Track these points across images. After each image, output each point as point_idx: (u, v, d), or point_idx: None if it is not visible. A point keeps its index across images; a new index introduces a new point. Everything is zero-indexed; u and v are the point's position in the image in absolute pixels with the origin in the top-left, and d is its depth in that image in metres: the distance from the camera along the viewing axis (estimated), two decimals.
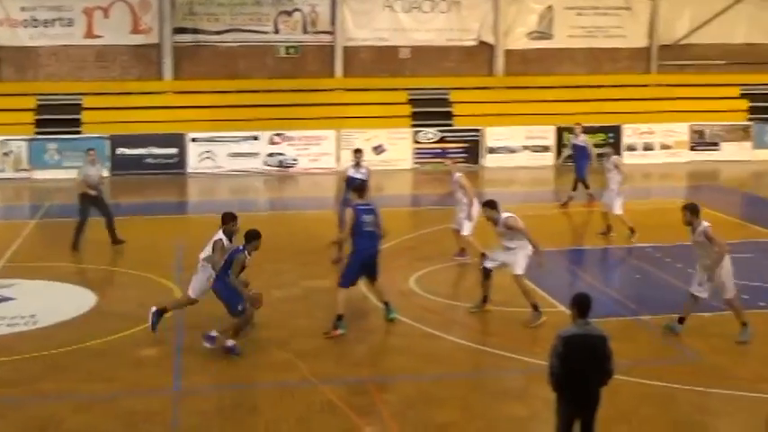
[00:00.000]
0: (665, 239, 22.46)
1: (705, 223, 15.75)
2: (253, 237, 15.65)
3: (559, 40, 40.11)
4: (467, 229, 20.64)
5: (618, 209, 23.30)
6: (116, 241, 23.19)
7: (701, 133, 38.09)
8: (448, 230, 21.55)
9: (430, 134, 36.59)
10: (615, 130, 37.43)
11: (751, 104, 39.32)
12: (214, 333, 15.27)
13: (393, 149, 36.13)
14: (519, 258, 16.95)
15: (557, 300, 17.66)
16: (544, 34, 40.10)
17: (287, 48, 38.11)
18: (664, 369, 14.70)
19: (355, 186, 17.93)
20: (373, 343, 15.74)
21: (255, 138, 35.30)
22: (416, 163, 36.41)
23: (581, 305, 10.77)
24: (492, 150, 36.82)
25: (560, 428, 10.86)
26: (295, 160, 35.54)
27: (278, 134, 35.46)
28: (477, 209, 20.23)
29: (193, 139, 34.99)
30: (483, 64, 39.80)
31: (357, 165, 21.07)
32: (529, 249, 16.95)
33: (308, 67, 38.33)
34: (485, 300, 17.33)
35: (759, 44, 41.07)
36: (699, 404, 13.46)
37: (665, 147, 37.84)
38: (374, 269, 16.59)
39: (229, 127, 35.53)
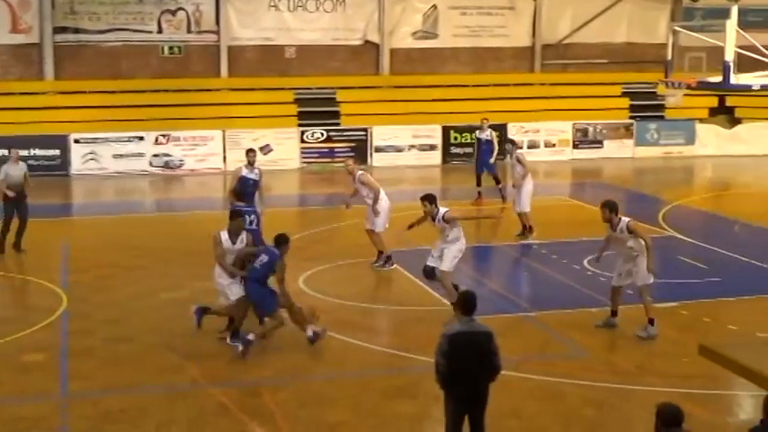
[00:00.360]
0: (551, 236, 22.79)
1: (625, 219, 16.08)
2: (285, 241, 15.82)
3: (444, 40, 40.40)
4: (380, 226, 20.46)
5: (527, 206, 23.10)
6: (18, 247, 22.46)
7: (584, 131, 38.77)
8: (336, 230, 21.57)
9: (317, 134, 36.55)
10: (500, 129, 37.81)
11: (632, 103, 40.15)
12: (251, 336, 15.20)
13: (280, 149, 35.99)
14: (449, 254, 17.04)
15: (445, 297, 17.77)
16: (429, 34, 40.35)
17: (171, 47, 37.71)
18: (551, 364, 14.93)
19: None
20: (264, 343, 15.64)
21: (141, 138, 34.85)
22: (304, 162, 36.35)
23: (465, 303, 10.83)
24: (379, 149, 36.92)
25: (450, 426, 10.91)
26: (181, 161, 35.18)
27: (163, 135, 35.07)
28: (386, 203, 20.22)
29: (76, 141, 34.36)
30: (369, 63, 39.89)
31: (250, 165, 20.88)
32: (462, 244, 17.17)
33: (193, 66, 37.98)
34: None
35: (639, 43, 41.90)
36: (587, 398, 13.65)
37: (549, 145, 38.41)
38: None
39: (114, 127, 34.98)
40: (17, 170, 22.51)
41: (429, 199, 17.43)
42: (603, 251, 16.79)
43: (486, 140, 28.79)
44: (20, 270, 20.76)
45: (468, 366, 10.56)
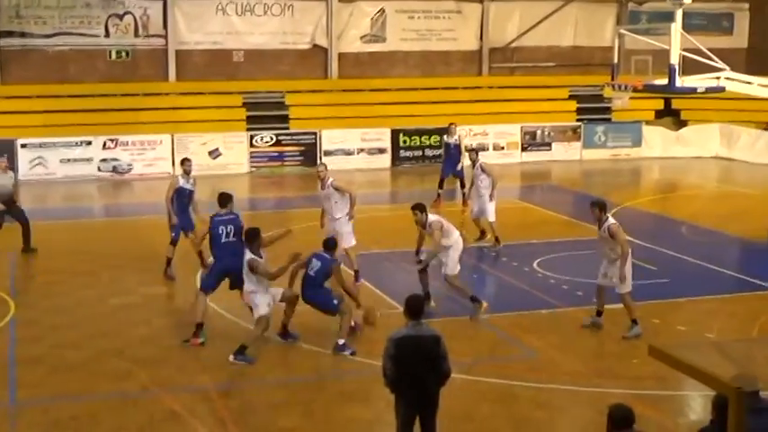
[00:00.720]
0: (502, 239, 22.80)
1: (611, 220, 16.29)
2: (334, 245, 16.31)
3: (392, 44, 40.48)
4: (348, 241, 19.57)
5: (492, 215, 22.71)
6: (27, 249, 22.46)
7: (532, 134, 38.98)
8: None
9: (266, 138, 36.45)
10: (447, 132, 37.90)
11: (579, 105, 40.45)
12: (342, 341, 15.40)
13: (229, 153, 35.85)
14: (450, 260, 17.29)
15: (396, 301, 17.76)
16: (377, 37, 40.40)
17: (118, 51, 37.44)
18: (503, 366, 14.99)
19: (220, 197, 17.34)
20: (214, 349, 15.58)
21: (89, 143, 34.56)
22: (253, 167, 36.21)
23: (412, 307, 10.81)
24: (328, 153, 36.86)
25: (400, 428, 10.89)
26: (130, 165, 34.93)
27: (111, 139, 34.80)
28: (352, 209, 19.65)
29: (23, 145, 33.98)
30: (317, 67, 39.86)
31: (186, 174, 20.67)
32: (459, 245, 17.45)
33: (141, 70, 37.74)
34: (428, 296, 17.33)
35: (586, 47, 42.24)
36: (538, 400, 13.74)
37: (497, 148, 38.56)
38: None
39: (61, 132, 34.63)
40: (6, 179, 22.63)
41: (419, 208, 17.53)
42: None
43: (455, 145, 28.84)
44: None
45: (415, 370, 10.54)
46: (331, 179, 19.74)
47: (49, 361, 15.15)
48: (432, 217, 17.54)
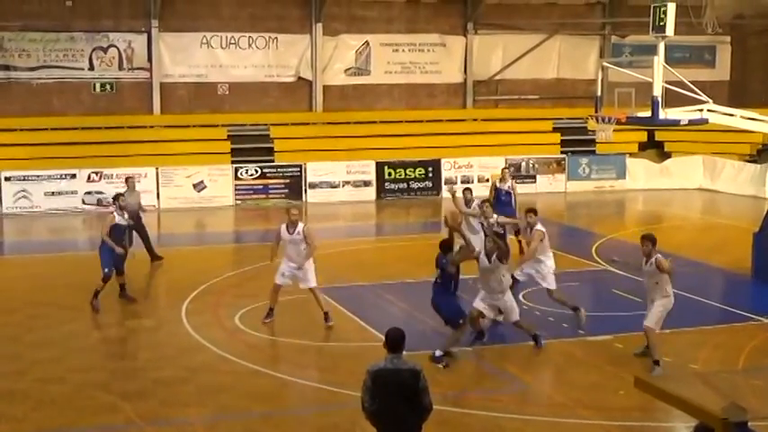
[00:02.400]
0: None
1: (658, 255, 16.06)
2: (450, 247, 16.84)
3: (377, 76, 40.64)
4: (313, 281, 19.04)
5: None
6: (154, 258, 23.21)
7: (517, 166, 39.08)
8: (271, 267, 21.20)
9: (251, 170, 36.45)
10: (434, 164, 38.10)
11: (563, 138, 40.60)
12: (438, 353, 15.81)
13: (214, 186, 35.84)
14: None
15: (380, 333, 17.65)
16: (362, 70, 40.55)
17: (102, 84, 37.47)
18: (490, 399, 14.92)
19: None
20: (199, 381, 15.52)
21: (73, 176, 34.52)
22: (238, 199, 36.19)
23: (390, 340, 10.55)
24: (313, 186, 36.90)
25: None
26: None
27: (96, 172, 34.76)
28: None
29: (7, 178, 33.94)
30: (302, 100, 39.97)
31: (121, 210, 20.69)
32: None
33: (126, 103, 37.77)
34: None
35: (569, 79, 42.51)
36: None
37: (482, 180, 38.59)
38: None
39: (45, 165, 34.60)
40: (134, 197, 24.45)
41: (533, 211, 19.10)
42: (627, 268, 17.54)
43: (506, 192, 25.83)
44: None
45: (392, 404, 10.30)
46: (302, 225, 19.15)
47: (33, 395, 15.03)
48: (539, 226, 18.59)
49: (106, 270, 19.99)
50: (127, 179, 25.72)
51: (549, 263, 19.00)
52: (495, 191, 25.62)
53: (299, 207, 20.43)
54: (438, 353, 15.96)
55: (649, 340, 16.11)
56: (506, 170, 27.07)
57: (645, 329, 16.14)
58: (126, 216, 20.84)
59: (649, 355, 16.06)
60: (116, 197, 21.23)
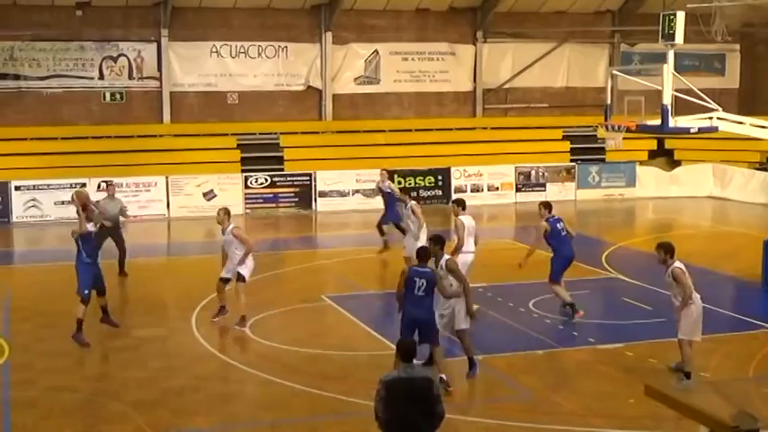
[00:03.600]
0: (497, 279, 22.83)
1: (677, 264, 15.71)
2: (426, 255, 15.37)
3: (386, 85, 40.69)
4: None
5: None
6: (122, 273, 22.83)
7: (526, 175, 39.09)
8: (282, 275, 21.39)
9: (261, 179, 36.50)
10: (444, 173, 38.12)
11: (573, 146, 40.61)
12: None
13: (223, 195, 35.83)
14: (460, 311, 16.08)
15: (391, 342, 17.67)
16: (371, 79, 40.59)
17: (112, 93, 37.56)
18: (499, 407, 14.92)
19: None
20: (209, 391, 15.53)
21: (83, 185, 34.50)
22: (248, 208, 36.22)
23: (404, 350, 10.68)
24: (323, 194, 36.95)
25: None
26: (124, 207, 34.82)
27: (106, 181, 34.77)
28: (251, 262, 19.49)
29: (17, 188, 34.04)
30: (312, 108, 40.02)
31: (89, 219, 20.05)
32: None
33: (135, 112, 37.86)
34: None
35: (579, 87, 42.54)
36: None
37: (492, 188, 38.66)
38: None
39: (55, 174, 34.67)
40: (113, 205, 24.22)
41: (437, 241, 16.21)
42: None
43: (387, 192, 27.57)
44: None
45: (406, 414, 10.35)
46: (232, 225, 19.60)
47: (44, 404, 15.05)
48: (446, 256, 16.41)
49: (85, 292, 18.34)
50: (108, 185, 25.49)
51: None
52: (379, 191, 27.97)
53: (226, 210, 20.22)
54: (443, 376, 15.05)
55: (681, 352, 15.80)
56: (384, 171, 28.48)
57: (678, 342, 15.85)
58: (97, 226, 19.62)
59: (681, 368, 15.81)
60: (85, 206, 20.23)
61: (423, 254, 15.28)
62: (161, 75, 37.82)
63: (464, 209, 20.05)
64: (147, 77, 37.88)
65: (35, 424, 14.33)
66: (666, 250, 15.75)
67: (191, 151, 36.90)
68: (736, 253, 27.54)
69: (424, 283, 14.80)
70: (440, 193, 38.02)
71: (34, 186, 34.20)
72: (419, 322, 14.85)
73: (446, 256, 15.78)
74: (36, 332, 19.40)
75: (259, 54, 39.07)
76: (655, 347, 17.81)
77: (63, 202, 34.21)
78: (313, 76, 39.65)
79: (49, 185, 34.28)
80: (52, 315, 20.60)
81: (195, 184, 35.29)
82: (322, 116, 39.89)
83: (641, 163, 40.68)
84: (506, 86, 42.00)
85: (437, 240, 15.72)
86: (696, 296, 15.77)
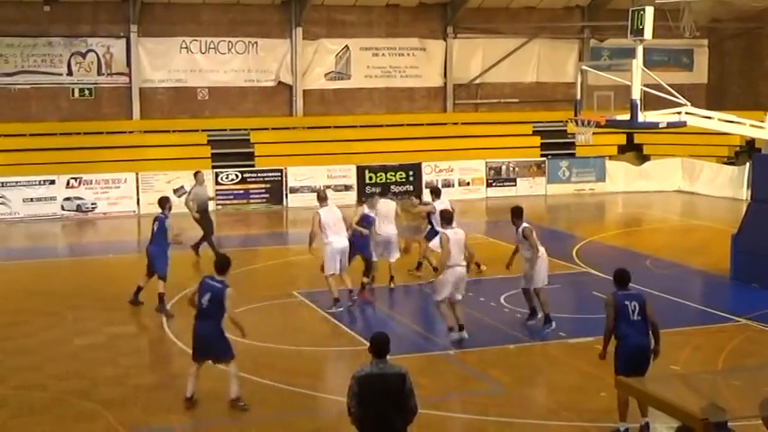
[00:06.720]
0: (468, 274, 22.78)
1: (525, 224, 18.50)
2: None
3: (357, 81, 40.65)
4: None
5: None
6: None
7: (497, 170, 39.20)
8: (252, 271, 21.34)
9: (231, 175, 36.41)
10: (415, 168, 38.16)
11: (543, 141, 40.71)
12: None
13: None
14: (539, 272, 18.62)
15: (363, 337, 17.71)
16: (342, 74, 40.55)
17: (81, 89, 37.34)
18: (471, 402, 14.95)
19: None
20: (181, 388, 15.45)
21: (52, 182, 34.40)
22: (218, 204, 36.07)
23: (375, 345, 10.62)
24: (294, 190, 36.91)
25: None
26: (94, 204, 34.77)
27: (75, 178, 34.65)
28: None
29: None
30: (282, 104, 39.94)
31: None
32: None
33: (104, 109, 37.67)
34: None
35: (548, 83, 42.67)
36: None
37: (463, 184, 38.74)
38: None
39: (24, 171, 34.48)
40: (203, 190, 26.68)
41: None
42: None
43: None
44: None
45: (379, 409, 10.37)
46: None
47: (13, 403, 14.95)
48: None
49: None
50: (196, 174, 27.26)
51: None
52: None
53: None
54: None
55: (539, 298, 18.69)
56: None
57: (535, 291, 18.77)
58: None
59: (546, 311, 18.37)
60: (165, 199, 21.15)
61: None
62: (130, 70, 37.61)
63: (438, 196, 22.66)
64: (116, 73, 37.66)
65: (4, 423, 14.24)
66: (515, 214, 18.68)
67: (160, 147, 36.73)
68: (704, 247, 27.70)
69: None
70: (411, 188, 38.04)
71: (3, 183, 33.95)
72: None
73: (524, 224, 18.52)
74: (4, 331, 19.27)
75: (229, 50, 38.93)
76: None
77: (32, 200, 34.10)
78: (283, 71, 39.56)
79: (17, 182, 34.07)
80: (21, 313, 20.51)
81: (165, 181, 35.13)
82: (293, 112, 39.81)
83: (611, 158, 40.85)
84: (477, 82, 42.06)
85: (515, 212, 18.82)
86: (542, 249, 18.56)
